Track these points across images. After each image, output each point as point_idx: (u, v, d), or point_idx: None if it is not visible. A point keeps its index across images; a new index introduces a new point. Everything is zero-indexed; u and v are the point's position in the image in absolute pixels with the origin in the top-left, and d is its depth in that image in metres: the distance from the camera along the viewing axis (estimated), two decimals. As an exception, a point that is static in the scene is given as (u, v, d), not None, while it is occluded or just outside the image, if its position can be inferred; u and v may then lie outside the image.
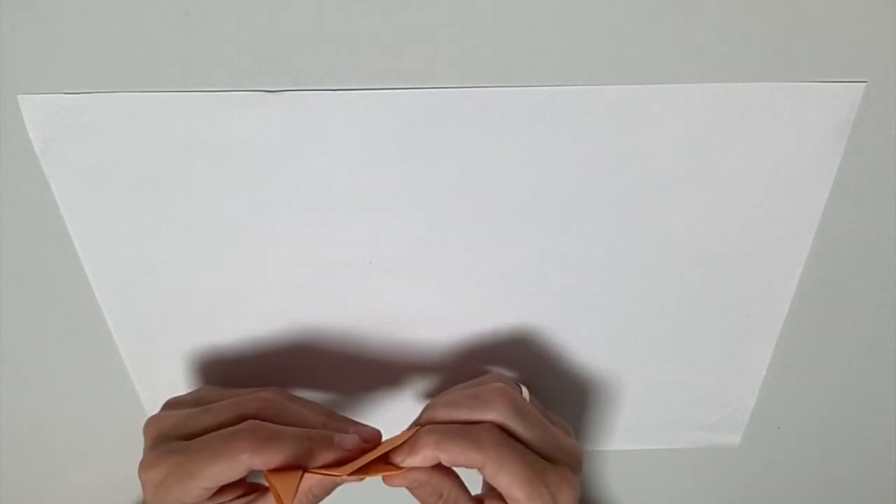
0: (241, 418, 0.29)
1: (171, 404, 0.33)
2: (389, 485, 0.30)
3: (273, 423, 0.29)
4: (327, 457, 0.29)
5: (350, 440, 0.30)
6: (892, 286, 0.36)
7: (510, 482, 0.29)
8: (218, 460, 0.28)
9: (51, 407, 0.39)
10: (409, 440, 0.30)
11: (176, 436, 0.30)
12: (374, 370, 0.38)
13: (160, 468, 0.29)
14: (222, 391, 0.33)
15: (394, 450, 0.30)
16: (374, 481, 0.30)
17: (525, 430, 0.30)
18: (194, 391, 0.34)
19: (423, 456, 0.29)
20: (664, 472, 0.45)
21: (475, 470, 0.30)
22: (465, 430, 0.29)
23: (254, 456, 0.28)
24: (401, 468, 0.30)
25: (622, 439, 0.42)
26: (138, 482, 0.30)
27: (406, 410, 0.37)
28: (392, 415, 0.39)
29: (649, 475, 0.45)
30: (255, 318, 0.36)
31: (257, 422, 0.29)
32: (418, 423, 0.31)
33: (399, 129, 0.30)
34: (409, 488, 0.31)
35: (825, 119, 0.30)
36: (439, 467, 0.30)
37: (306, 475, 0.29)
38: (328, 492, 0.31)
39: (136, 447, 0.31)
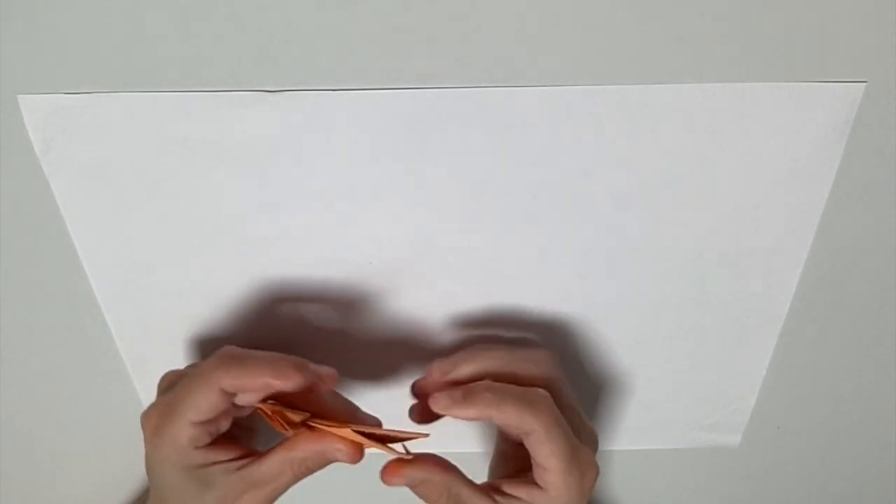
0: None
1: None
2: (390, 484, 0.30)
3: None
4: (300, 380, 0.29)
5: (326, 370, 0.30)
6: (892, 286, 0.36)
7: (552, 452, 0.29)
8: (194, 388, 0.28)
9: (51, 407, 0.39)
10: (465, 391, 0.29)
11: (174, 383, 0.31)
12: (375, 369, 0.38)
13: (154, 411, 0.30)
14: None
15: (447, 394, 0.29)
16: (374, 481, 0.30)
17: (569, 404, 0.31)
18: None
19: (478, 411, 0.29)
20: (664, 472, 0.45)
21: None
22: (524, 394, 0.29)
23: (226, 375, 0.28)
24: (399, 454, 0.29)
25: (622, 439, 0.42)
26: (137, 481, 0.30)
27: (406, 409, 0.37)
28: (392, 414, 0.39)
29: (649, 475, 0.45)
30: (254, 318, 0.36)
31: (230, 346, 0.30)
32: (460, 363, 0.31)
33: (399, 129, 0.30)
34: (411, 487, 0.31)
35: (825, 119, 0.30)
36: (440, 463, 0.30)
37: (304, 434, 0.29)
38: (321, 465, 0.31)
39: (136, 447, 0.31)
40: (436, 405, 0.30)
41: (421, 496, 0.31)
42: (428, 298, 0.35)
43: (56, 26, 0.27)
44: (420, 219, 0.32)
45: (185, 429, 0.29)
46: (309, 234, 0.33)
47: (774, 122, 0.30)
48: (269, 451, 0.31)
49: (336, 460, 0.30)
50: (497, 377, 0.30)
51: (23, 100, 0.29)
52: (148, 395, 0.38)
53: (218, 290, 0.35)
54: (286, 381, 0.28)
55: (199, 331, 0.36)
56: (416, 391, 0.33)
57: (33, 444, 0.41)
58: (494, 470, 0.35)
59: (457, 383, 0.31)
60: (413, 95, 0.29)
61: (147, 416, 0.30)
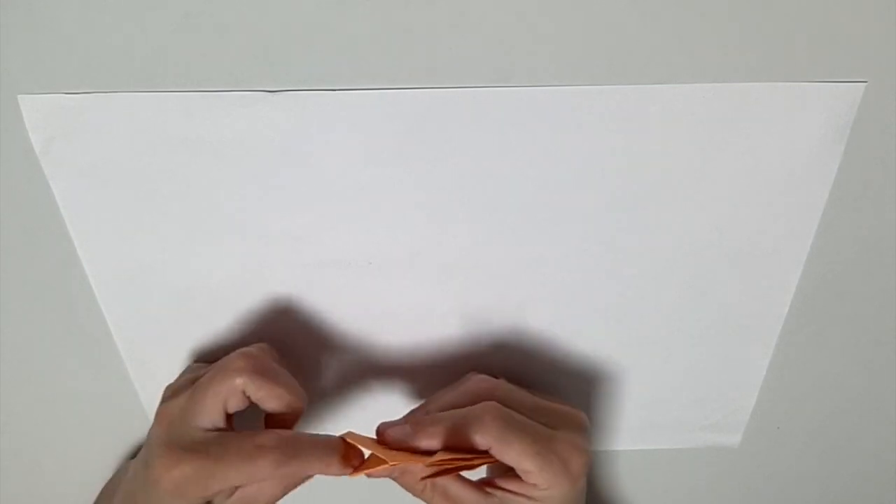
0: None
1: (172, 391, 0.33)
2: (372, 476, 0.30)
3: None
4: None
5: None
6: (892, 286, 0.36)
7: (519, 455, 0.29)
8: (215, 380, 0.30)
9: (51, 407, 0.39)
10: (413, 425, 0.30)
11: (184, 424, 0.30)
12: (374, 369, 0.38)
13: (175, 404, 0.31)
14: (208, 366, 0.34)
15: (400, 429, 0.30)
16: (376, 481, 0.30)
17: (522, 402, 0.31)
18: (182, 374, 0.35)
19: (429, 443, 0.29)
20: (664, 472, 0.45)
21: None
22: (465, 414, 0.30)
23: (248, 379, 0.29)
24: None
25: (623, 439, 0.42)
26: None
27: (406, 409, 0.37)
28: (392, 414, 0.39)
29: (650, 475, 0.45)
30: (254, 318, 0.36)
31: (249, 349, 0.31)
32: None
33: (399, 129, 0.30)
34: (394, 478, 0.31)
35: (825, 119, 0.30)
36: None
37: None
38: (297, 484, 0.31)
39: (135, 447, 0.31)
40: (388, 439, 0.30)
41: (405, 487, 0.31)
42: (428, 298, 0.35)
43: (56, 26, 0.27)
44: (420, 219, 0.32)
45: (197, 429, 0.30)
46: (309, 234, 0.33)
47: (774, 122, 0.30)
48: None
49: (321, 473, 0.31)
50: (450, 434, 0.30)
51: (23, 100, 0.29)
52: (148, 395, 0.38)
53: (218, 290, 0.35)
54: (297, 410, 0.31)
55: (199, 331, 0.36)
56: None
57: (33, 444, 0.41)
58: (492, 469, 0.35)
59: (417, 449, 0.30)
60: (413, 95, 0.29)
61: (167, 407, 0.31)
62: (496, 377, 0.34)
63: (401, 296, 0.35)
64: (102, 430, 0.40)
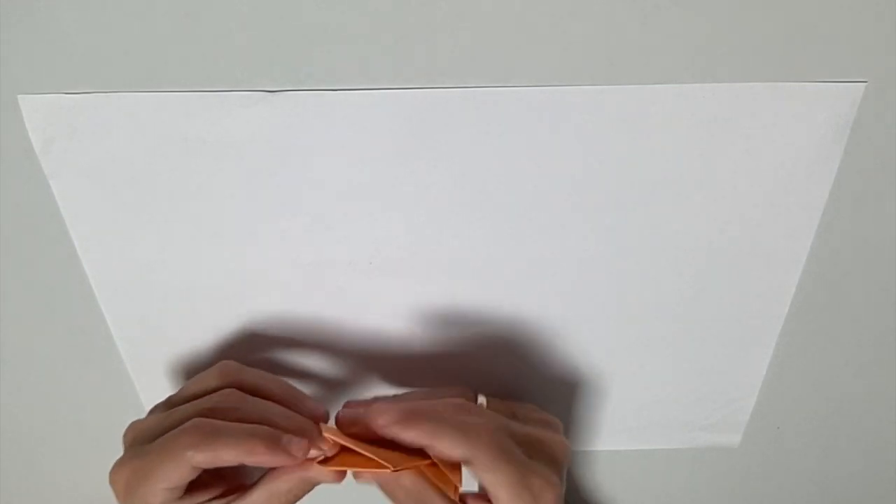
0: (198, 416, 0.29)
1: (151, 410, 0.33)
2: (361, 480, 0.30)
3: (228, 418, 0.29)
4: (270, 458, 0.28)
5: (297, 445, 0.29)
6: (892, 286, 0.36)
7: (495, 482, 0.28)
8: (166, 459, 0.28)
9: (51, 407, 0.39)
10: (403, 417, 0.29)
11: (142, 440, 0.30)
12: (374, 369, 0.38)
13: (124, 471, 0.29)
14: (189, 388, 0.33)
15: (389, 412, 0.29)
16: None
17: (513, 432, 0.30)
18: (169, 396, 0.34)
19: (413, 438, 0.28)
20: (664, 472, 0.45)
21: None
22: (461, 424, 0.29)
23: (197, 452, 0.28)
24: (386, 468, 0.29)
25: (622, 439, 0.42)
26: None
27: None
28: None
29: (649, 475, 0.45)
30: (254, 318, 0.36)
31: (201, 419, 0.29)
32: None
33: (399, 129, 0.30)
34: (381, 487, 0.30)
35: (825, 119, 0.30)
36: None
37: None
38: (306, 491, 0.31)
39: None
40: (376, 420, 0.29)
41: (389, 496, 0.31)
42: (427, 298, 0.35)
43: (56, 26, 0.27)
44: (420, 219, 0.32)
45: (158, 493, 0.29)
46: (309, 234, 0.33)
47: (774, 122, 0.30)
48: (252, 486, 0.31)
49: (321, 482, 0.30)
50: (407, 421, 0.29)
51: (23, 100, 0.29)
52: (148, 395, 0.38)
53: (218, 290, 0.35)
54: (257, 459, 0.28)
55: (199, 331, 0.36)
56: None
57: (33, 444, 0.41)
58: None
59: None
60: (413, 95, 0.29)
61: (117, 474, 0.30)
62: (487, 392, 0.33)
63: (401, 296, 0.35)
64: (102, 430, 0.40)
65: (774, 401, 0.40)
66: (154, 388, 0.38)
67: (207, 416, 0.29)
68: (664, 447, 0.43)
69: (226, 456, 0.28)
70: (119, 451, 0.41)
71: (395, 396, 0.33)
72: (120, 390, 0.38)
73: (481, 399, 0.33)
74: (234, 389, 0.31)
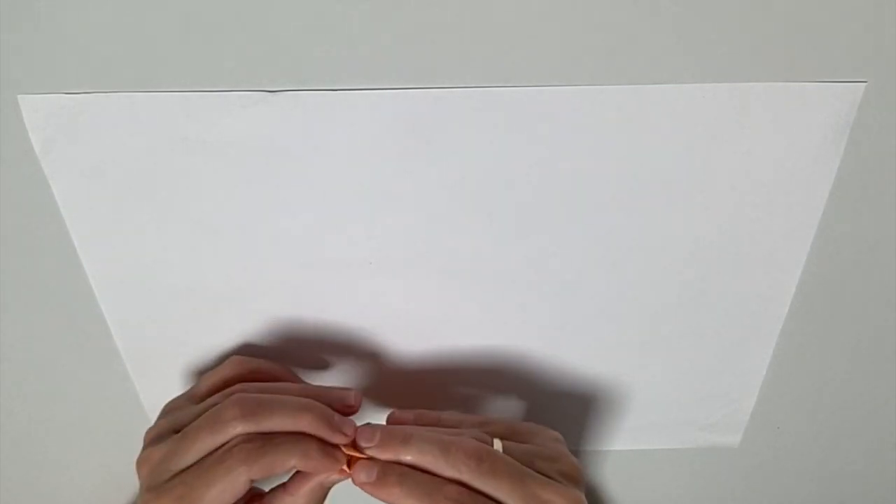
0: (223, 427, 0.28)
1: (151, 439, 0.31)
2: (358, 483, 0.29)
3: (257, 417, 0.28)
4: (328, 462, 0.28)
5: (349, 424, 0.29)
6: (892, 286, 0.36)
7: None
8: (218, 482, 0.27)
9: (51, 407, 0.39)
10: (382, 468, 0.28)
11: (169, 469, 0.29)
12: (374, 370, 0.38)
13: (166, 500, 0.28)
14: (188, 403, 0.32)
15: (390, 434, 0.29)
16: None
17: (494, 488, 0.29)
18: (161, 417, 0.33)
19: (414, 458, 0.28)
20: (664, 472, 0.45)
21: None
22: (477, 446, 0.29)
23: (250, 470, 0.27)
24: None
25: (622, 439, 0.42)
26: (137, 481, 0.30)
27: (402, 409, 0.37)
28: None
29: (649, 475, 0.45)
30: (255, 318, 0.36)
31: (246, 434, 0.28)
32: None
33: (399, 129, 0.30)
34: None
35: (825, 119, 0.30)
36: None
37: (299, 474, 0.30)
38: (323, 496, 0.31)
39: (135, 447, 0.31)
40: (374, 443, 0.29)
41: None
42: (427, 298, 0.35)
43: (56, 26, 0.27)
44: (420, 219, 0.32)
45: None
46: (309, 234, 0.33)
47: (774, 122, 0.30)
48: (268, 496, 0.31)
49: (336, 482, 0.30)
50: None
51: (23, 100, 0.29)
52: (148, 395, 0.38)
53: (218, 290, 0.35)
54: (314, 464, 0.28)
55: (199, 331, 0.36)
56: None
57: (33, 444, 0.41)
58: None
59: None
60: (413, 95, 0.29)
61: (160, 500, 0.28)
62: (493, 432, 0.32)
63: (401, 296, 0.35)
64: (102, 430, 0.40)
65: (774, 401, 0.40)
66: (154, 388, 0.38)
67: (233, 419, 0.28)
68: (664, 447, 0.43)
69: (282, 467, 0.28)
70: (118, 451, 0.41)
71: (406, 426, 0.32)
72: (120, 390, 0.38)
73: (497, 444, 0.31)
74: (242, 388, 0.31)
